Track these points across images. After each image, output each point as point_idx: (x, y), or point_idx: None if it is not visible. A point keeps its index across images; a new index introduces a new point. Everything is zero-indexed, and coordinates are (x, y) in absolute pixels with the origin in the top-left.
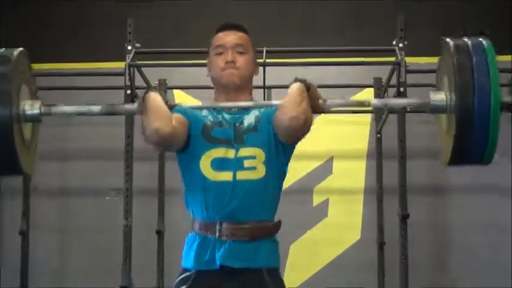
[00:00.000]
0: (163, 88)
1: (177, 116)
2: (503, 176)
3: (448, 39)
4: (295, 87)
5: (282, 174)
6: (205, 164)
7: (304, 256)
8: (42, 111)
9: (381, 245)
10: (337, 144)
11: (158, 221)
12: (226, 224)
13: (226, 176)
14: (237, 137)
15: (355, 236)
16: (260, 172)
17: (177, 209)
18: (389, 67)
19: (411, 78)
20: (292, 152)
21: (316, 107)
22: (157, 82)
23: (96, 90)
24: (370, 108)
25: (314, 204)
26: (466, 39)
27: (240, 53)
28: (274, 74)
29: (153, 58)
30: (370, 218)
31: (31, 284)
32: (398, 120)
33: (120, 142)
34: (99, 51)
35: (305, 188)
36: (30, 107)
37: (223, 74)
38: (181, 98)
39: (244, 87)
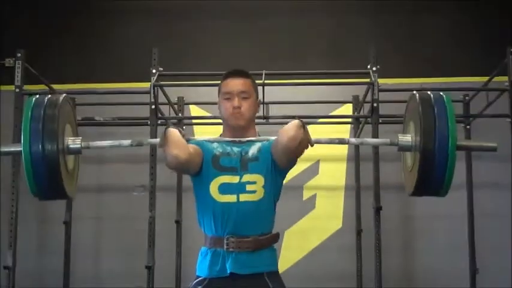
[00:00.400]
0: (181, 104)
1: (193, 146)
2: (456, 175)
3: (415, 92)
4: (295, 120)
5: (277, 195)
6: (213, 189)
7: (296, 241)
8: (82, 145)
9: (359, 232)
10: (323, 150)
11: (177, 213)
12: (232, 238)
13: (231, 198)
14: (242, 165)
15: (337, 224)
16: (259, 195)
17: (192, 203)
18: (365, 87)
19: (383, 96)
20: (286, 175)
21: (307, 142)
22: (176, 98)
23: (126, 105)
24: (349, 120)
25: (304, 198)
26: (429, 93)
27: (244, 98)
28: (272, 93)
29: (173, 79)
30: (349, 210)
31: (72, 263)
32: (373, 130)
33: (145, 148)
34: (129, 73)
35: (297, 185)
36: (73, 142)
37: (231, 118)
38: (196, 112)
39: (248, 126)
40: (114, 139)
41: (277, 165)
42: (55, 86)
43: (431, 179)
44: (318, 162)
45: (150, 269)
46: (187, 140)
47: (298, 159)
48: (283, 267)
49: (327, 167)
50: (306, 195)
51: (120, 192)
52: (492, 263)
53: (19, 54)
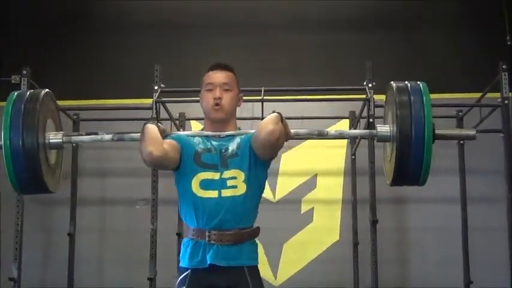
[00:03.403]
0: (183, 119)
1: (169, 142)
2: (451, 189)
3: (392, 82)
4: (273, 114)
5: (261, 188)
6: (195, 185)
7: (294, 253)
8: (63, 140)
9: (356, 244)
10: (320, 164)
11: (178, 225)
12: (214, 231)
13: (212, 193)
14: (222, 162)
15: (334, 237)
16: (241, 189)
17: None
18: (361, 102)
19: (378, 111)
20: (268, 167)
21: (286, 135)
22: (178, 115)
23: (129, 121)
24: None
25: (302, 212)
26: (406, 82)
27: (226, 90)
28: (270, 108)
29: (175, 95)
30: (346, 223)
31: (76, 274)
32: (369, 144)
33: None
34: (132, 90)
35: (295, 199)
36: (54, 137)
37: (212, 110)
38: (197, 127)
39: (228, 119)
40: (117, 154)
41: (258, 158)
42: (59, 102)
43: (409, 167)
44: (315, 176)
45: (152, 280)
46: (167, 135)
47: (296, 174)
48: (281, 279)
49: (324, 181)
50: (304, 208)
51: (123, 205)
52: (486, 275)
53: (25, 72)
